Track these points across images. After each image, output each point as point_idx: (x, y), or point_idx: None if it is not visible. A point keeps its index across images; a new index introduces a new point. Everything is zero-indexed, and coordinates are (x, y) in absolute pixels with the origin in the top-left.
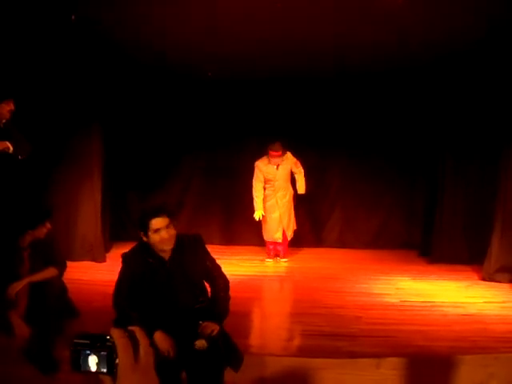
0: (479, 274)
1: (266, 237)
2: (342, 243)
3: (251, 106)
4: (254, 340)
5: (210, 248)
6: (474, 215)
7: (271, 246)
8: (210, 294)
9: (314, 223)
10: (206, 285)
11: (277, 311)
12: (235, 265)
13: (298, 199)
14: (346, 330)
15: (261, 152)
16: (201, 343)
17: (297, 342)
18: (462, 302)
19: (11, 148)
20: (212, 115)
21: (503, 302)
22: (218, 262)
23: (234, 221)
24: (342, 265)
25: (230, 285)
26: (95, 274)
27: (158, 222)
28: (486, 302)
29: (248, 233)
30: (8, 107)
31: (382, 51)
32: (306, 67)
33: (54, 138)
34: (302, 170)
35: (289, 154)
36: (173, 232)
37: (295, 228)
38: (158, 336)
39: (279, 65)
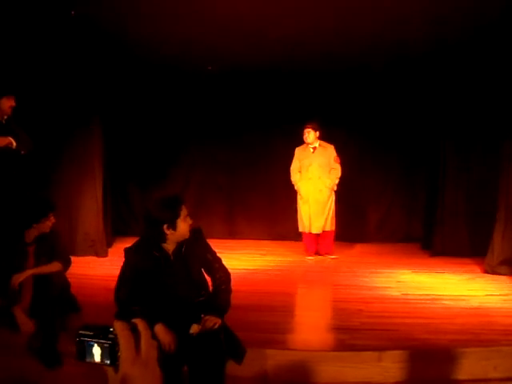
0: (481, 266)
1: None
2: (343, 237)
3: (252, 98)
4: (255, 333)
5: (211, 242)
6: (476, 207)
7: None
8: (211, 287)
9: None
10: (208, 278)
11: (278, 305)
12: (237, 259)
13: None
14: (347, 324)
15: (262, 145)
16: (194, 328)
17: (298, 335)
18: (464, 295)
19: (14, 143)
20: (213, 108)
21: (506, 295)
22: (219, 255)
23: (236, 214)
24: (344, 258)
25: (232, 278)
26: (97, 269)
27: (186, 208)
28: (488, 295)
29: (249, 227)
30: (9, 103)
31: (383, 40)
32: (306, 59)
33: (54, 132)
34: (339, 168)
35: (331, 147)
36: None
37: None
38: (159, 329)
39: (279, 57)
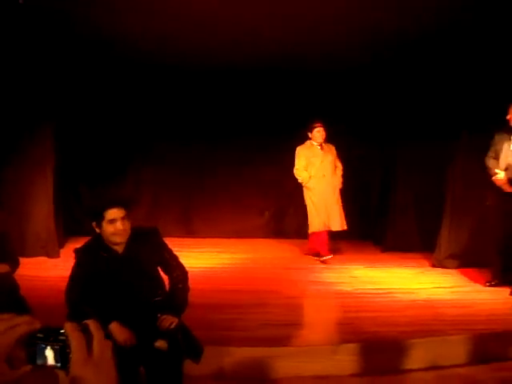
0: (430, 261)
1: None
2: (300, 233)
3: (208, 97)
4: (213, 331)
5: (167, 240)
6: (426, 204)
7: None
8: (168, 286)
9: (273, 215)
10: (165, 277)
11: (235, 302)
12: (194, 257)
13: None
14: (302, 319)
15: (220, 143)
16: (161, 343)
17: (254, 332)
18: (414, 288)
19: None
20: (168, 106)
21: (452, 287)
22: (177, 254)
23: (193, 213)
24: (300, 255)
25: (189, 277)
26: (49, 270)
27: (113, 213)
28: (436, 288)
29: (207, 225)
30: None
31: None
32: (272, 58)
33: (4, 132)
34: (341, 167)
35: (332, 145)
36: (128, 224)
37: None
38: (114, 327)
39: (245, 55)
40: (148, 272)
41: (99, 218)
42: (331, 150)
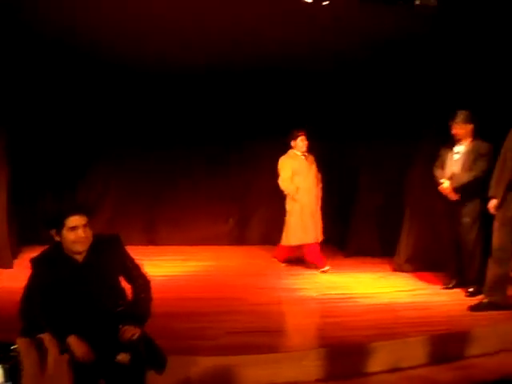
0: (391, 265)
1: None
2: (264, 241)
3: (174, 104)
4: (178, 341)
5: (130, 249)
6: (388, 210)
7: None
8: (130, 295)
9: (237, 221)
10: (127, 286)
11: (200, 310)
12: (157, 265)
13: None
14: (268, 326)
15: (181, 151)
16: (123, 357)
17: (220, 340)
18: (375, 293)
19: None
20: (132, 111)
21: (412, 290)
22: (139, 262)
23: (156, 221)
24: (265, 261)
25: (152, 285)
26: (1, 282)
27: (75, 220)
28: (396, 291)
29: (170, 233)
30: None
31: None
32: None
33: None
34: (320, 176)
35: (312, 156)
36: (90, 232)
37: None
38: (72, 341)
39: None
40: (109, 282)
41: (59, 225)
42: (312, 160)
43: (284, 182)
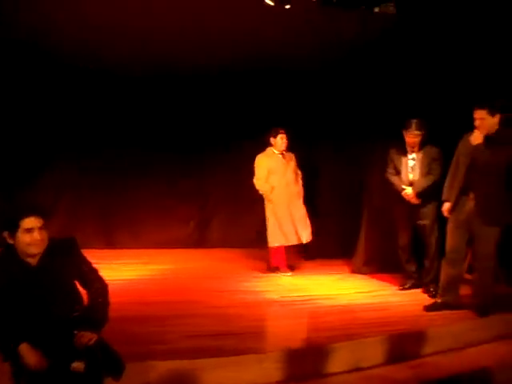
0: (350, 267)
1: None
2: (225, 243)
3: (131, 102)
4: (137, 346)
5: (87, 252)
6: (347, 212)
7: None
8: (86, 300)
9: (197, 223)
10: (83, 292)
11: (160, 314)
12: (116, 269)
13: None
14: (229, 329)
15: (140, 152)
16: (77, 365)
17: (181, 344)
18: (335, 294)
19: None
20: (89, 110)
21: (370, 292)
22: (97, 266)
23: (114, 223)
24: (226, 264)
25: (110, 290)
26: None
27: (30, 222)
28: (355, 293)
29: (129, 236)
30: None
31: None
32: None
33: None
34: (301, 174)
35: (292, 154)
36: (45, 235)
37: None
38: (23, 349)
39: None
40: (64, 286)
41: (14, 227)
42: (292, 157)
43: (258, 181)
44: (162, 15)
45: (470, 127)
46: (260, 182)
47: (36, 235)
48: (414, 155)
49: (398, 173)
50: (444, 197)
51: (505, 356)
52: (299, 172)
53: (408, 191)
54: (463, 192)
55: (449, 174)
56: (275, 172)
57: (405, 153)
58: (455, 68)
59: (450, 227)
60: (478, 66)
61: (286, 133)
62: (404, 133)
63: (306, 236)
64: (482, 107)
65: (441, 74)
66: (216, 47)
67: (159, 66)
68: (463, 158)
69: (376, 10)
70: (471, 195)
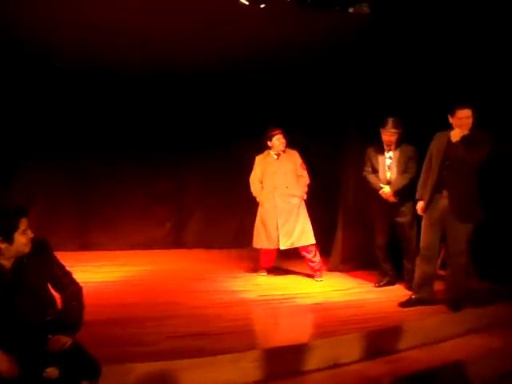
0: (327, 265)
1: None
2: (202, 243)
3: (104, 103)
4: (115, 348)
5: (61, 255)
6: (324, 210)
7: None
8: (60, 304)
9: (174, 224)
10: (56, 295)
11: (137, 316)
12: (91, 271)
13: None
14: (208, 329)
15: (117, 153)
16: (51, 371)
17: (159, 346)
18: (312, 292)
19: None
20: (64, 111)
21: (347, 289)
22: (71, 269)
23: (88, 225)
24: (203, 265)
25: (85, 292)
26: None
27: (25, 221)
28: (332, 291)
29: (104, 237)
30: None
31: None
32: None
33: None
34: (306, 175)
35: (295, 153)
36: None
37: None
38: None
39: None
40: (38, 289)
41: (12, 228)
42: (291, 158)
43: (251, 182)
44: (136, 16)
45: (443, 126)
46: (251, 182)
47: (29, 234)
48: (390, 154)
49: (375, 171)
50: (418, 195)
51: (477, 349)
52: (303, 173)
53: (386, 190)
54: (437, 190)
55: (422, 172)
56: (266, 174)
57: (382, 151)
58: (429, 67)
59: (424, 225)
60: (451, 65)
61: (283, 132)
62: (381, 131)
63: (284, 242)
64: (467, 107)
65: (415, 73)
66: (190, 48)
67: (130, 65)
68: (437, 156)
69: (350, 10)
70: (445, 193)
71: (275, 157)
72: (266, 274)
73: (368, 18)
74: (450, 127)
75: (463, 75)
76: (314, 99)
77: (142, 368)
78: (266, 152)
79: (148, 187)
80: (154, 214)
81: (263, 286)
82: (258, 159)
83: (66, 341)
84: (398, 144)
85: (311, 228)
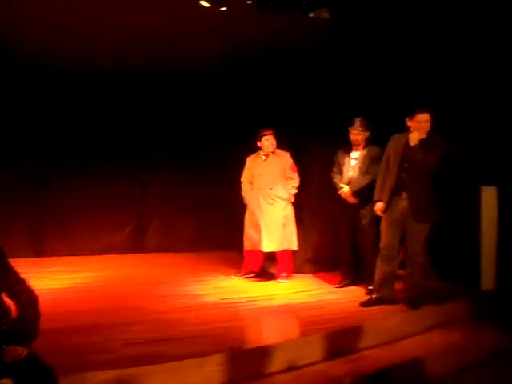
0: None
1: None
2: (163, 247)
3: (60, 104)
4: (73, 357)
5: (15, 262)
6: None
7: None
8: (14, 313)
9: (134, 229)
10: (11, 304)
11: (96, 323)
12: (47, 278)
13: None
14: (168, 334)
15: (73, 157)
16: (5, 382)
17: (119, 353)
18: (275, 294)
19: None
20: (17, 111)
21: (309, 291)
22: (25, 276)
23: (44, 230)
24: (164, 269)
25: (41, 300)
26: None
27: None
28: (294, 292)
29: (60, 243)
30: None
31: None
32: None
33: None
34: (296, 177)
35: (286, 154)
36: None
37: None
38: None
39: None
40: None
41: None
42: (280, 159)
43: (242, 183)
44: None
45: (402, 128)
46: (242, 183)
47: None
48: (356, 154)
49: (341, 172)
50: (376, 197)
51: (435, 345)
52: (292, 175)
53: (345, 190)
54: (395, 192)
55: (380, 174)
56: (255, 175)
57: (349, 152)
58: (386, 71)
59: (383, 226)
60: (407, 69)
61: (274, 133)
62: (349, 130)
63: (267, 245)
64: (427, 111)
65: (374, 76)
66: (151, 48)
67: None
68: (395, 158)
69: (311, 14)
70: (404, 195)
71: (264, 158)
72: (239, 278)
73: (328, 23)
74: (406, 129)
75: (419, 78)
76: (275, 103)
77: (101, 376)
78: (256, 153)
79: (107, 190)
80: (113, 217)
81: (226, 289)
82: (248, 160)
83: (21, 351)
84: (366, 145)
85: (295, 233)
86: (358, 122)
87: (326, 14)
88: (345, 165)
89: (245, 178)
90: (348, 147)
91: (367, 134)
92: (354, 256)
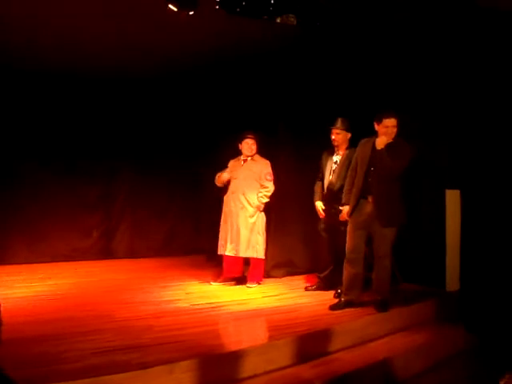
0: None
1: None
2: (131, 253)
3: (30, 108)
4: (36, 368)
5: None
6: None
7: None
8: None
9: (101, 234)
10: None
11: (61, 332)
12: (8, 286)
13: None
14: (137, 342)
15: (39, 160)
16: None
17: (85, 362)
18: (245, 299)
19: None
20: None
21: (278, 295)
22: None
23: (5, 235)
24: (132, 275)
25: (3, 309)
26: None
27: None
28: (264, 297)
29: (23, 249)
30: None
31: None
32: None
33: None
34: (270, 186)
35: (265, 162)
36: None
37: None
38: None
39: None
40: None
41: None
42: (257, 165)
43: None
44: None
45: (370, 132)
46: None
47: None
48: (337, 157)
49: (323, 177)
50: (343, 200)
51: (402, 346)
52: (265, 184)
53: (318, 205)
54: (362, 195)
55: (347, 178)
56: (232, 177)
57: (332, 155)
58: (355, 75)
59: (349, 229)
60: (375, 73)
61: (255, 137)
62: (331, 129)
63: (230, 249)
64: (394, 116)
65: (343, 79)
66: (119, 53)
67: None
68: (362, 162)
69: (278, 20)
70: (370, 198)
71: (242, 161)
72: (217, 284)
73: (295, 29)
74: (375, 133)
75: (387, 82)
76: (242, 106)
77: None
78: (238, 156)
79: (73, 194)
80: (79, 222)
81: (195, 294)
82: (230, 162)
83: None
84: (346, 147)
85: (263, 242)
86: (338, 121)
87: (292, 20)
88: (326, 169)
89: (220, 172)
90: (331, 150)
91: (348, 135)
92: (329, 259)
